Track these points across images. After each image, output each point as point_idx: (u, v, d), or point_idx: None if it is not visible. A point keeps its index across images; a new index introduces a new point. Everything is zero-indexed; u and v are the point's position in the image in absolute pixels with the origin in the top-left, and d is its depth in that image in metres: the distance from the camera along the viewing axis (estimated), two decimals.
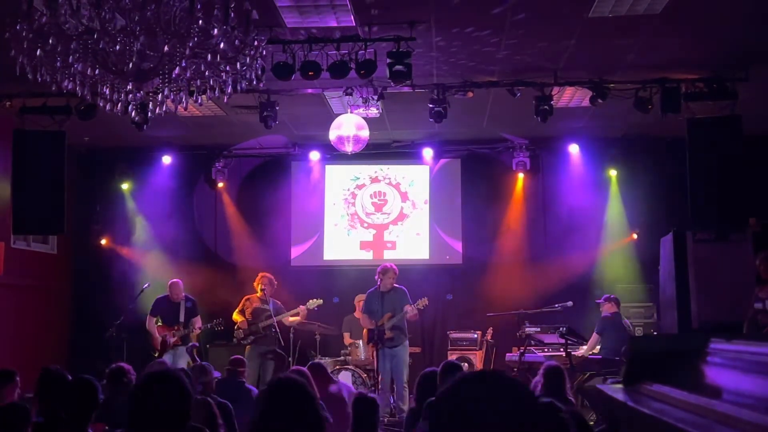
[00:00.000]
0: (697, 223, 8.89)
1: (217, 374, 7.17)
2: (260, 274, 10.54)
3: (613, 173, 11.80)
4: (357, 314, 11.11)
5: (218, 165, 12.06)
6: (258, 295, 10.42)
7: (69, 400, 4.39)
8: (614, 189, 11.77)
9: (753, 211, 8.91)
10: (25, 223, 9.35)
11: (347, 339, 10.95)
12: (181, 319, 10.31)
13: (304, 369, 6.13)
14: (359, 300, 11.09)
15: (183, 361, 9.95)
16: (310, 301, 10.50)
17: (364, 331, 10.16)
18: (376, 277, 9.84)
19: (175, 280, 10.57)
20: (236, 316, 10.41)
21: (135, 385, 3.13)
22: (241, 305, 10.48)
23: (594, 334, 9.79)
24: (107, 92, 5.24)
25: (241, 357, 8.04)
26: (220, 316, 10.49)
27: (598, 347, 9.81)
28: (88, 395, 4.43)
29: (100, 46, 4.85)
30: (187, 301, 10.49)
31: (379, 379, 9.41)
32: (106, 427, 4.88)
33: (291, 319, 10.42)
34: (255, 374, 9.89)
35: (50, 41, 4.81)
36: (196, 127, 11.02)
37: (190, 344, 9.86)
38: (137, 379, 4.73)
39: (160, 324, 10.35)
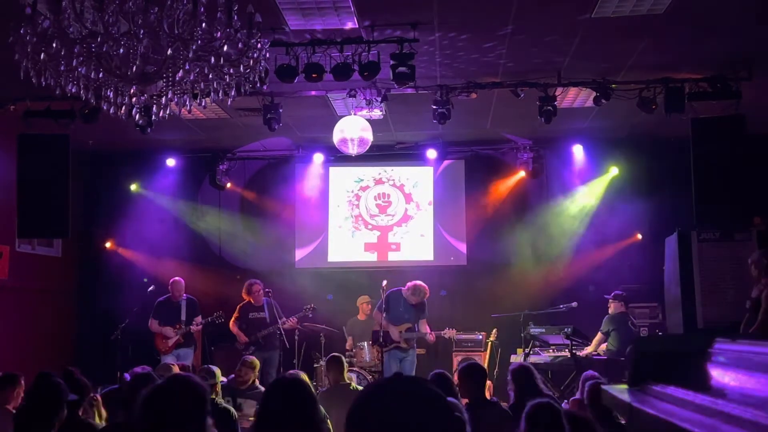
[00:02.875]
0: (702, 223, 8.87)
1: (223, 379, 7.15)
2: (246, 283, 10.46)
3: (617, 173, 11.79)
4: (360, 317, 11.11)
5: (222, 167, 12.06)
6: (251, 302, 10.35)
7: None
8: (618, 189, 11.76)
9: (757, 210, 8.90)
10: (30, 226, 9.36)
11: (350, 343, 10.93)
12: (183, 318, 10.33)
13: (301, 373, 6.15)
14: (362, 302, 11.09)
15: (187, 362, 9.99)
16: (305, 307, 10.39)
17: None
18: (406, 288, 9.84)
19: (176, 278, 10.59)
20: (233, 329, 10.32)
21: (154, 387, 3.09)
22: (236, 315, 10.37)
23: (599, 332, 9.74)
24: (111, 95, 5.25)
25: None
26: (220, 309, 10.51)
27: (603, 346, 9.79)
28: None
29: (104, 50, 4.86)
30: (189, 301, 10.51)
31: None
32: None
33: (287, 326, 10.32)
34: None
35: (54, 45, 4.82)
36: (200, 130, 11.04)
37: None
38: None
39: (162, 325, 10.36)
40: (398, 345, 9.70)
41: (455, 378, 6.24)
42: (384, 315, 9.82)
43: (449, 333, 9.95)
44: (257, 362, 7.75)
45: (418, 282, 10.03)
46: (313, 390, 3.46)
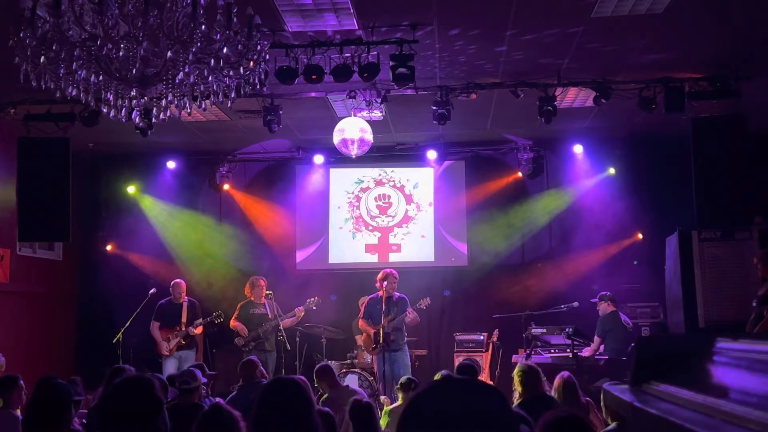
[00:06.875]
0: (703, 222, 8.86)
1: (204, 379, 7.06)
2: (250, 279, 10.55)
3: (617, 173, 11.78)
4: None
5: (223, 170, 12.07)
6: (252, 299, 10.40)
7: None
8: (619, 189, 11.74)
9: (759, 208, 8.89)
10: (31, 230, 9.37)
11: (360, 341, 10.96)
12: (184, 320, 10.34)
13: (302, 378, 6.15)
14: (363, 302, 11.10)
15: (189, 365, 9.97)
16: (309, 300, 10.50)
17: (363, 336, 10.17)
18: (377, 284, 9.86)
19: (177, 280, 10.60)
20: (234, 324, 10.35)
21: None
22: (237, 312, 10.43)
23: (596, 337, 9.72)
24: (111, 98, 5.26)
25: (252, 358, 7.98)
26: (219, 309, 10.54)
27: (602, 347, 9.77)
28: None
29: (104, 53, 4.87)
30: (190, 303, 10.51)
31: (381, 383, 9.47)
32: None
33: (288, 321, 10.37)
34: None
35: (54, 48, 4.82)
36: (200, 132, 11.04)
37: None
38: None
39: (163, 328, 10.36)
40: (385, 345, 9.65)
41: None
42: (367, 320, 9.90)
43: (424, 302, 9.95)
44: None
45: (385, 269, 10.12)
46: (310, 392, 3.45)
